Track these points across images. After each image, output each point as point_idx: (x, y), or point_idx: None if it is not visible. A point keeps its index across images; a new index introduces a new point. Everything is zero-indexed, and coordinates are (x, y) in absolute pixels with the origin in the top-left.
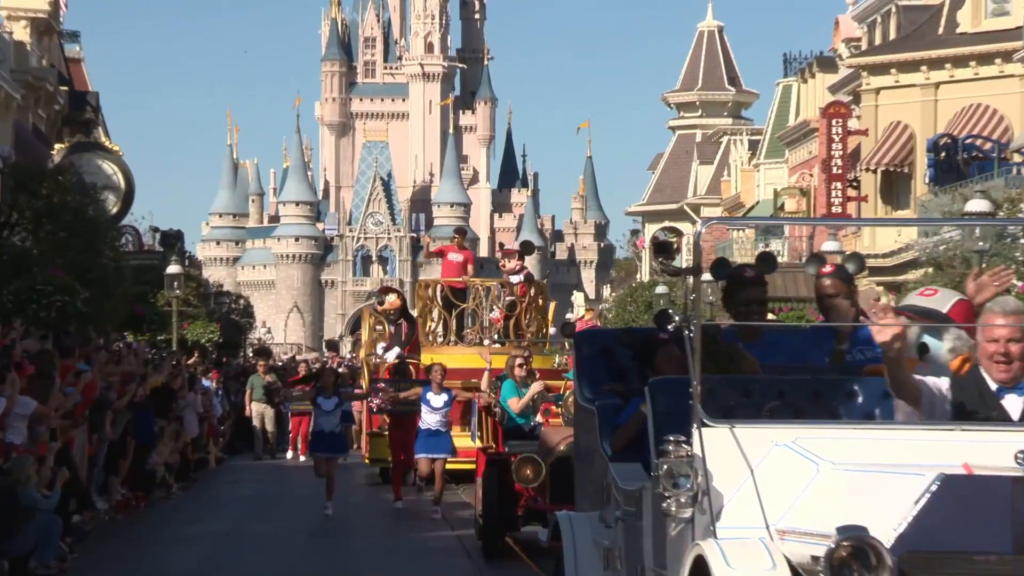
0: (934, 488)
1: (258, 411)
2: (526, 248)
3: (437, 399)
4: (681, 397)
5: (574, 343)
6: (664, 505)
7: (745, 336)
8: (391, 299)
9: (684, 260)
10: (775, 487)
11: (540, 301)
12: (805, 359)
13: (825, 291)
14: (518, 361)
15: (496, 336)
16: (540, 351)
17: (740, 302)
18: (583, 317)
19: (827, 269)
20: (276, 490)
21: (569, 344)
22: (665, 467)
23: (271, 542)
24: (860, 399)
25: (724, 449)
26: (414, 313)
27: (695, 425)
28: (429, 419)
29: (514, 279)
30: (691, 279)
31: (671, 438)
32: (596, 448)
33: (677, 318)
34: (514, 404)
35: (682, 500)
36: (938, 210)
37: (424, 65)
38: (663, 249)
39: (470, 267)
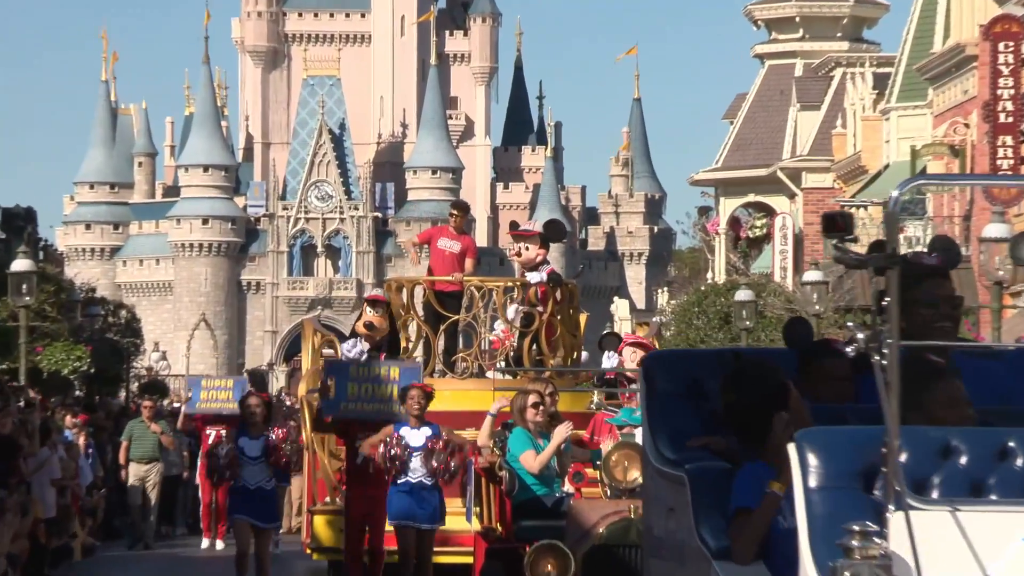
0: None
1: (139, 474)
2: (552, 232)
3: (418, 435)
4: (843, 460)
5: (642, 372)
6: None
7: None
8: (372, 315)
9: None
10: None
11: (570, 311)
12: (1013, 398)
13: None
14: (531, 400)
15: (505, 362)
16: (570, 385)
17: (921, 301)
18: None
19: None
20: None
21: (611, 365)
22: (847, 573)
23: None
24: None
25: (940, 545)
26: None
27: (891, 507)
28: (411, 467)
29: (533, 278)
30: (883, 274)
31: (855, 527)
32: (688, 537)
33: (860, 336)
34: (529, 460)
35: None
36: None
37: None
38: (840, 224)
39: (469, 261)
